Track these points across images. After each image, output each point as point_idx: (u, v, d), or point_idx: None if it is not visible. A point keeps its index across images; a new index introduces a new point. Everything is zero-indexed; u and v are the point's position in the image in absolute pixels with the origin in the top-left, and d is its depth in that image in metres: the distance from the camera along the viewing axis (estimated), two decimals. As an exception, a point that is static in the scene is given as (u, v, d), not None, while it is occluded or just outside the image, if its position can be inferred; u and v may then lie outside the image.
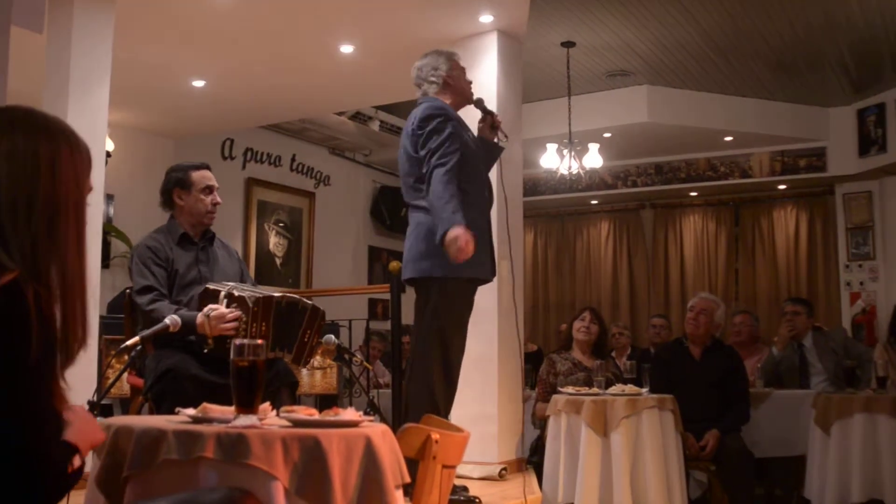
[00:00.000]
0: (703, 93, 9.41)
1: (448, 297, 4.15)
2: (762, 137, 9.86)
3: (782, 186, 10.55)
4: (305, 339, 3.90)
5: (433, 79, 4.41)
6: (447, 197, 3.95)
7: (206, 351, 3.66)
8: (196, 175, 4.05)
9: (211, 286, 3.78)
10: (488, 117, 4.46)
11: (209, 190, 4.04)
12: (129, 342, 3.44)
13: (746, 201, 11.14)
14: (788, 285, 10.65)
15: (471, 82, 4.52)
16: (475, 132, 4.45)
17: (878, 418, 4.85)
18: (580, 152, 8.30)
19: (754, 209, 11.12)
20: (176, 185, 4.04)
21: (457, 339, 4.22)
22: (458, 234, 3.86)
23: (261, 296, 3.73)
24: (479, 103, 4.46)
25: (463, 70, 4.49)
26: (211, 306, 3.67)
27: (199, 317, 3.65)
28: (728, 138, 9.98)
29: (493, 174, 5.81)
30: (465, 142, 4.21)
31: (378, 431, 2.23)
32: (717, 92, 9.40)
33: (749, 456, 5.22)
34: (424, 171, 4.10)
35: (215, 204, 4.05)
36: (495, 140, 4.49)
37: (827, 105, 9.72)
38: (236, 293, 3.71)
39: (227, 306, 3.68)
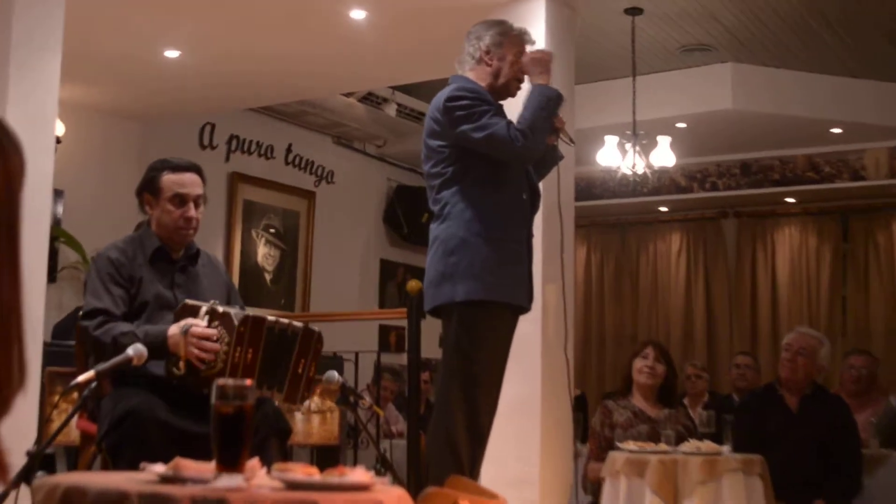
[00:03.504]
0: (802, 73, 9.36)
1: (473, 328, 4.10)
2: (879, 129, 9.79)
3: (904, 191, 10.50)
4: (300, 371, 3.89)
5: (470, 51, 4.39)
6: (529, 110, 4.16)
7: (175, 373, 3.65)
8: (167, 179, 4.00)
9: (190, 302, 3.79)
10: None
11: (180, 200, 3.98)
12: (80, 378, 3.44)
13: (858, 210, 11.08)
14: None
15: (521, 76, 4.39)
16: None
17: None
18: (647, 147, 8.27)
19: (868, 220, 11.06)
20: (145, 188, 4.04)
21: (485, 380, 4.17)
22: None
23: (251, 316, 3.74)
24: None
25: (516, 52, 4.36)
26: (189, 320, 3.67)
27: (173, 329, 3.65)
28: (835, 130, 9.92)
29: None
30: None
31: (393, 497, 2.23)
32: (823, 72, 9.34)
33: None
34: (444, 167, 4.25)
35: (188, 219, 3.99)
36: (555, 143, 4.43)
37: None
38: (220, 309, 3.72)
39: (209, 324, 3.68)
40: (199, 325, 3.66)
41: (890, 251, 10.93)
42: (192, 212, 3.99)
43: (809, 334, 5.81)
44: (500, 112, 4.22)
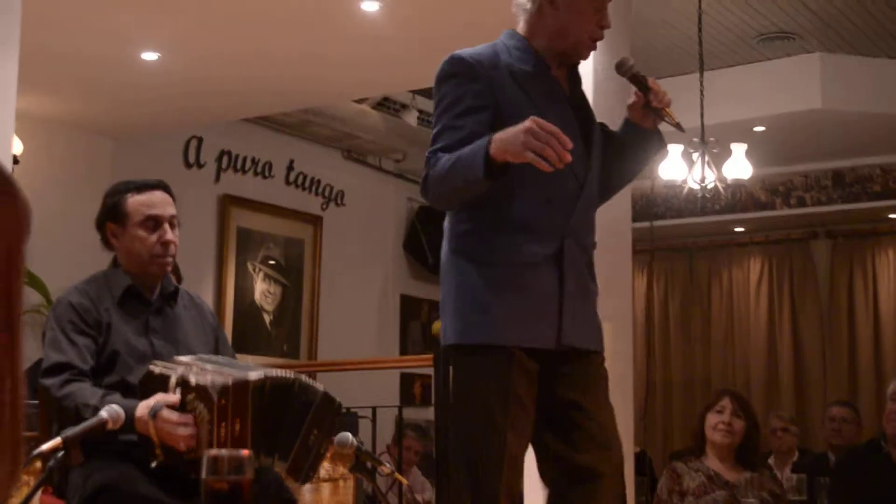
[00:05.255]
0: (905, 64, 9.36)
1: (470, 376, 3.73)
2: None
3: None
4: (310, 443, 3.87)
5: (525, 1, 3.77)
6: (445, 166, 3.49)
7: (155, 464, 3.64)
8: (133, 201, 3.98)
9: (157, 368, 3.73)
10: (640, 91, 3.81)
11: (154, 223, 3.97)
12: (45, 446, 3.44)
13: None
14: None
15: (598, 34, 3.78)
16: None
17: None
18: (718, 156, 8.27)
19: None
20: (108, 218, 4.02)
21: (482, 443, 3.69)
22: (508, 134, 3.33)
23: (230, 382, 3.65)
24: (621, 67, 3.84)
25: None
26: (159, 398, 3.63)
27: (140, 410, 3.61)
28: (951, 131, 9.91)
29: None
30: (522, 111, 3.57)
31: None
32: (927, 61, 9.35)
33: None
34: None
35: (165, 244, 3.98)
36: (659, 130, 3.92)
37: None
38: (193, 380, 3.65)
39: (183, 398, 3.65)
40: (170, 401, 3.62)
41: None
42: (169, 234, 3.95)
43: None
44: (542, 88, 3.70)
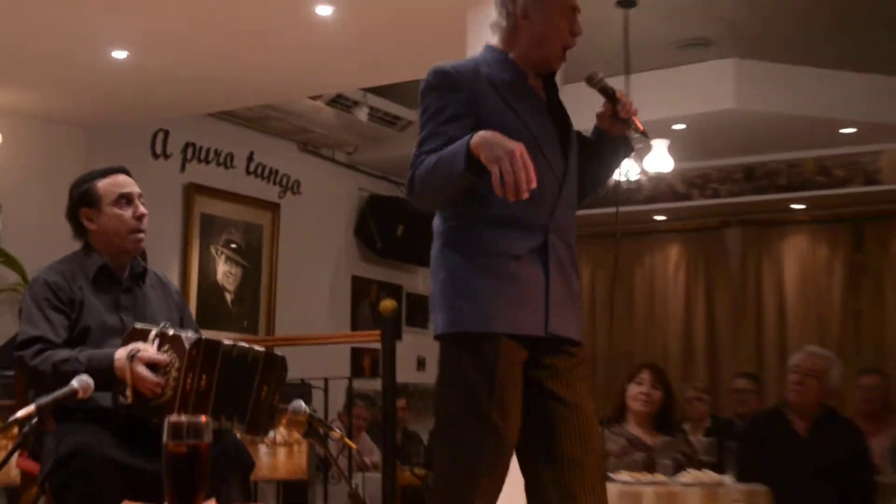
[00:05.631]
0: (811, 68, 9.39)
1: (459, 363, 3.55)
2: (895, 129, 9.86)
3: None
4: (262, 399, 3.88)
5: (499, 17, 3.69)
6: (429, 165, 3.42)
7: (121, 402, 3.64)
8: (102, 184, 4.00)
9: (139, 326, 3.77)
10: (609, 102, 3.76)
11: (126, 200, 3.99)
12: (20, 413, 3.42)
13: (873, 217, 11.14)
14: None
15: (571, 43, 3.73)
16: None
17: None
18: (641, 151, 8.30)
19: (883, 228, 11.13)
20: (80, 204, 4.01)
21: (467, 436, 3.50)
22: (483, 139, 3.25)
23: (204, 338, 3.72)
24: (591, 80, 3.77)
25: (563, 8, 3.70)
26: (137, 345, 3.66)
27: (119, 353, 3.63)
28: (847, 131, 9.96)
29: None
30: (502, 119, 3.54)
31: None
32: (833, 67, 9.38)
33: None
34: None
35: (140, 217, 4.00)
36: (627, 137, 3.85)
37: None
38: (171, 331, 3.70)
39: (158, 348, 3.67)
40: (147, 349, 3.65)
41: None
42: (141, 208, 4.01)
43: (819, 354, 5.85)
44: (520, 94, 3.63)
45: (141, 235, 4.01)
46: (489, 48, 3.71)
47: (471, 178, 3.28)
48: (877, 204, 10.92)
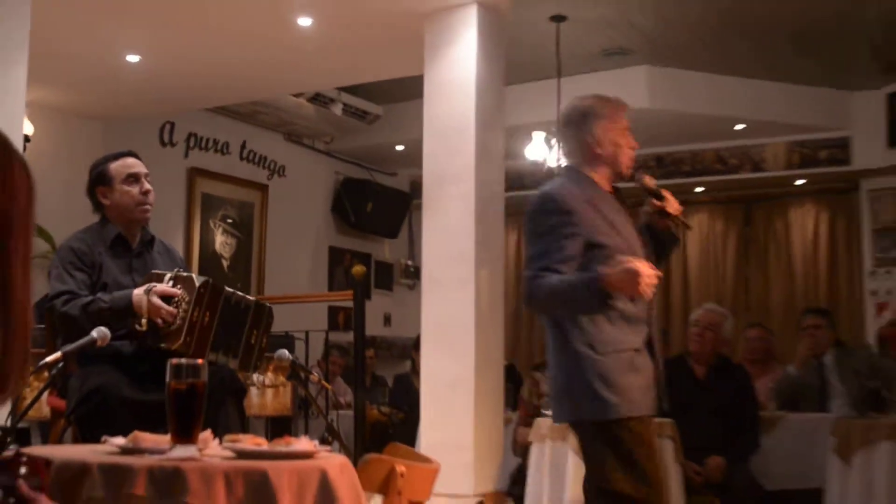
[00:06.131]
0: (711, 74, 9.43)
1: (625, 445, 3.41)
2: (778, 126, 9.90)
3: (800, 182, 10.61)
4: (252, 342, 3.92)
5: (573, 142, 3.62)
6: (558, 288, 3.30)
7: (137, 330, 3.65)
8: (114, 166, 4.01)
9: (156, 271, 3.82)
10: (654, 200, 3.70)
11: (134, 178, 3.98)
12: (48, 358, 3.40)
13: (759, 198, 11.19)
14: (806, 294, 10.70)
15: (633, 144, 3.64)
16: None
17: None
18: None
19: (768, 207, 11.18)
20: (97, 183, 4.02)
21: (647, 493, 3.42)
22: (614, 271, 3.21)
23: (211, 280, 3.76)
24: (639, 181, 3.71)
25: (621, 125, 3.62)
26: (153, 283, 3.69)
27: (138, 290, 3.66)
28: (739, 126, 10.01)
29: (470, 166, 5.84)
30: (603, 231, 3.47)
31: (336, 464, 2.23)
32: (728, 73, 9.42)
33: (758, 489, 5.27)
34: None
35: (146, 193, 3.99)
36: (671, 230, 3.79)
37: (854, 89, 9.77)
38: (184, 273, 3.75)
39: (172, 286, 3.70)
40: (161, 284, 3.68)
41: (786, 235, 11.07)
42: (146, 185, 4.02)
43: (715, 311, 5.88)
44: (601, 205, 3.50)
45: (147, 208, 4.01)
46: (572, 170, 3.60)
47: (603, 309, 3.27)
48: (762, 188, 10.99)
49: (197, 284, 3.68)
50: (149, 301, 3.62)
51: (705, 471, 5.22)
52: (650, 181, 3.68)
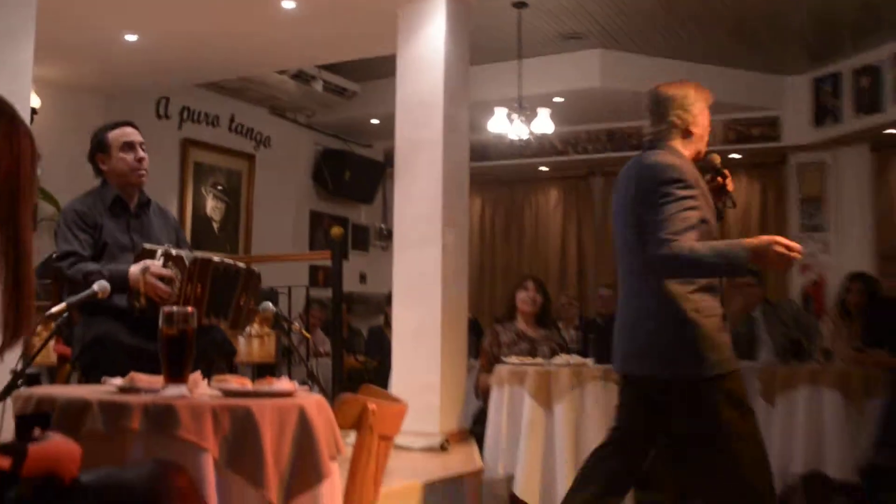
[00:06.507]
0: (658, 58, 9.45)
1: (732, 398, 3.43)
2: (716, 105, 9.77)
3: (735, 156, 10.66)
4: (241, 304, 3.92)
5: (675, 119, 3.63)
6: (700, 253, 3.27)
7: (137, 307, 3.65)
8: (112, 135, 3.99)
9: (147, 246, 3.78)
10: (718, 178, 3.74)
11: (129, 146, 3.96)
12: (54, 309, 3.39)
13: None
14: (740, 256, 10.77)
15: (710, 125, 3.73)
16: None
17: (823, 391, 4.99)
18: (530, 117, 8.32)
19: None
20: (96, 150, 4.01)
21: (754, 448, 3.43)
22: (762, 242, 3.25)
23: (199, 256, 3.74)
24: (709, 163, 3.74)
25: (707, 106, 3.73)
26: (147, 262, 3.67)
27: (134, 268, 3.64)
28: (682, 105, 10.05)
29: (438, 139, 5.84)
30: (704, 207, 3.49)
31: (312, 402, 2.25)
32: (673, 57, 9.44)
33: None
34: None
35: (140, 160, 3.97)
36: (719, 206, 3.76)
37: (783, 74, 9.83)
38: (174, 252, 3.72)
39: (164, 265, 3.68)
40: (156, 265, 3.65)
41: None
42: (141, 153, 3.99)
43: None
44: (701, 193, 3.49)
45: (142, 173, 3.99)
46: (670, 148, 3.57)
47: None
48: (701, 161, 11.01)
49: (188, 264, 3.67)
50: (146, 282, 3.60)
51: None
52: (717, 159, 3.75)
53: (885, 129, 9.44)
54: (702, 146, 3.64)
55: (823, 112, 9.65)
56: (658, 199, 3.36)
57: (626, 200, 3.53)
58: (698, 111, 3.64)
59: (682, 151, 3.57)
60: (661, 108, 3.66)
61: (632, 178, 3.53)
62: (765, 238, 3.23)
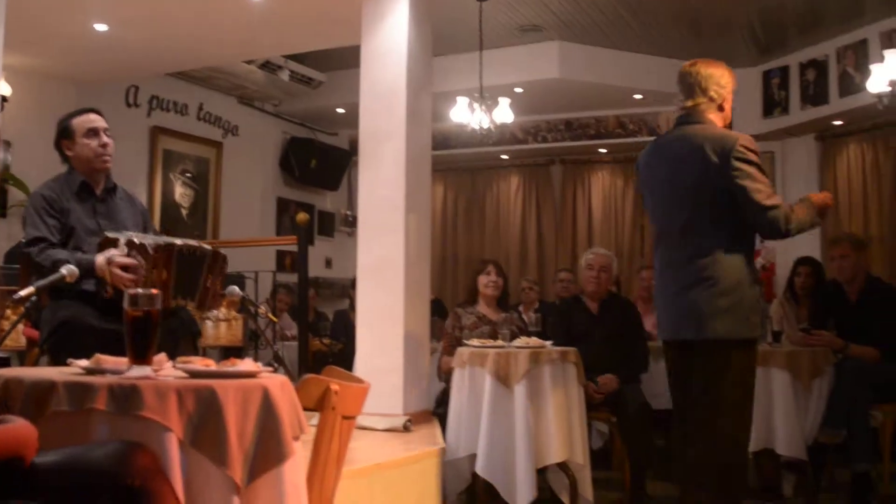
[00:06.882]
0: (614, 50, 9.48)
1: (750, 362, 3.71)
2: (670, 96, 9.89)
3: (688, 145, 10.71)
4: (208, 285, 3.88)
5: (714, 95, 3.84)
6: (793, 217, 3.59)
7: (104, 295, 3.60)
8: (76, 121, 3.94)
9: (110, 234, 3.71)
10: None
11: (93, 133, 3.91)
12: (23, 292, 3.35)
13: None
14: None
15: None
16: None
17: (772, 371, 5.02)
18: (491, 106, 8.30)
19: (661, 167, 11.27)
20: (61, 137, 3.96)
21: (749, 405, 3.73)
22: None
23: (163, 242, 3.69)
24: None
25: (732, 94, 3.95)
26: (111, 251, 3.61)
27: (99, 258, 3.59)
28: (637, 96, 10.09)
29: (401, 128, 5.80)
30: None
31: (276, 382, 2.23)
32: (629, 50, 9.48)
33: (647, 408, 5.36)
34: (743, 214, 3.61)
35: (104, 145, 3.91)
36: None
37: (734, 66, 9.83)
38: (136, 240, 3.66)
39: (127, 254, 3.62)
40: (119, 256, 3.60)
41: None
42: (105, 138, 3.93)
43: (605, 254, 5.93)
44: None
45: (106, 158, 3.93)
46: (711, 121, 3.78)
47: None
48: (658, 149, 11.06)
49: (151, 252, 3.62)
50: (111, 273, 3.56)
51: (601, 387, 5.31)
52: None
53: (830, 121, 9.55)
54: (728, 123, 3.85)
55: (772, 104, 9.73)
56: (750, 169, 3.57)
57: (695, 168, 3.64)
58: (729, 92, 3.85)
59: (718, 124, 3.76)
60: (701, 83, 3.81)
61: (702, 147, 3.64)
62: (821, 195, 3.71)
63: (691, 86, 3.83)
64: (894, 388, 5.31)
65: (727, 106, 3.83)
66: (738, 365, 3.57)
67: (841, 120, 9.52)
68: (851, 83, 8.72)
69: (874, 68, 6.72)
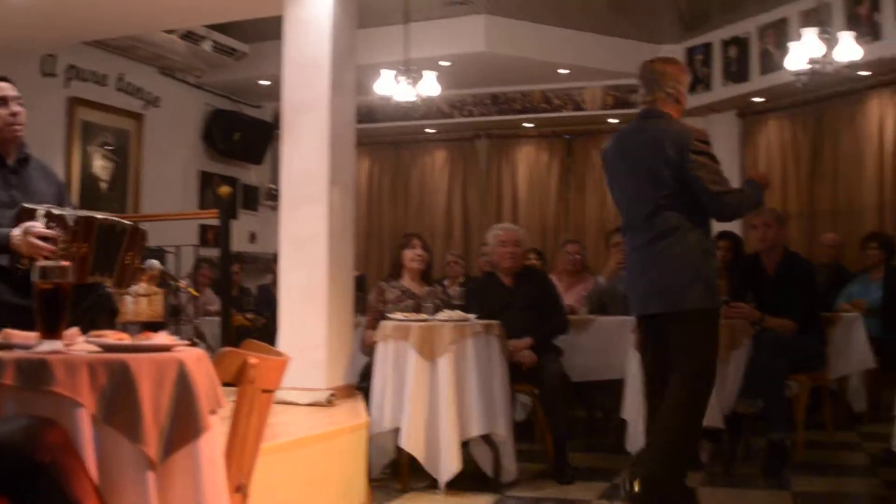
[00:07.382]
0: (540, 24, 9.51)
1: (714, 329, 4.21)
2: (596, 71, 10.07)
3: (613, 120, 10.83)
4: (127, 262, 3.81)
5: (671, 91, 4.26)
6: (741, 199, 4.17)
7: (19, 269, 3.50)
8: None
9: (27, 205, 3.61)
10: None
11: (2, 101, 3.76)
12: (-69, 267, 3.26)
13: (579, 133, 11.39)
14: (616, 216, 10.96)
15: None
16: None
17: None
18: (416, 80, 8.27)
19: (586, 141, 11.39)
20: None
21: (713, 369, 4.25)
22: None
23: (83, 215, 3.61)
24: None
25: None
26: (29, 223, 3.52)
27: (15, 231, 3.49)
28: (563, 71, 10.14)
29: (324, 100, 5.75)
30: None
31: (192, 356, 2.20)
32: (555, 24, 9.51)
33: (566, 379, 5.43)
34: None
35: (14, 114, 3.78)
36: None
37: (658, 43, 9.99)
38: (56, 212, 3.57)
39: (46, 226, 3.53)
40: (38, 226, 3.51)
41: (601, 166, 11.29)
42: (15, 107, 3.79)
43: (514, 229, 5.95)
44: None
45: (17, 128, 3.79)
46: (670, 115, 4.23)
47: None
48: (582, 124, 11.19)
49: (71, 223, 3.54)
50: (27, 243, 3.45)
51: (519, 353, 5.33)
52: None
53: (751, 98, 9.72)
54: (682, 112, 4.29)
55: (695, 80, 9.85)
56: (705, 160, 4.04)
57: (655, 158, 4.08)
58: (685, 89, 4.29)
59: (675, 115, 4.20)
60: (659, 80, 4.23)
61: (662, 141, 4.08)
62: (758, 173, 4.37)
63: (651, 81, 4.25)
64: (809, 360, 5.47)
65: (682, 99, 4.25)
66: (711, 332, 4.08)
67: (762, 97, 9.70)
68: (772, 61, 8.88)
69: (792, 46, 6.83)
